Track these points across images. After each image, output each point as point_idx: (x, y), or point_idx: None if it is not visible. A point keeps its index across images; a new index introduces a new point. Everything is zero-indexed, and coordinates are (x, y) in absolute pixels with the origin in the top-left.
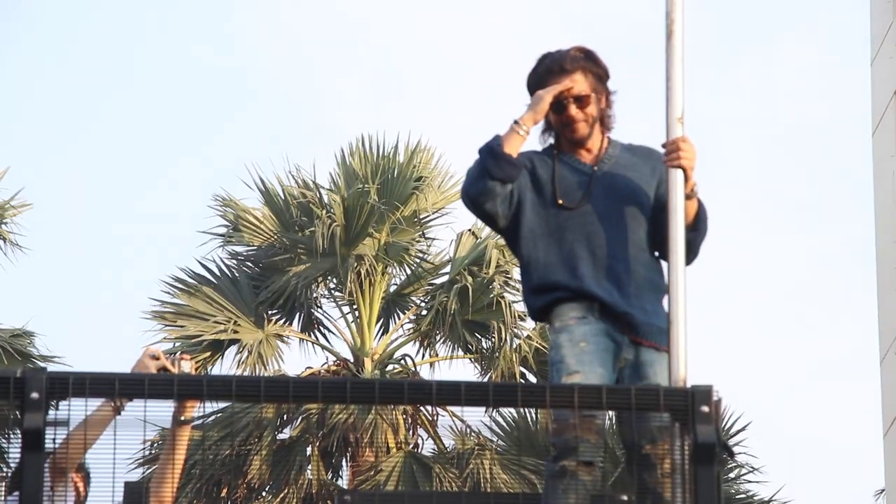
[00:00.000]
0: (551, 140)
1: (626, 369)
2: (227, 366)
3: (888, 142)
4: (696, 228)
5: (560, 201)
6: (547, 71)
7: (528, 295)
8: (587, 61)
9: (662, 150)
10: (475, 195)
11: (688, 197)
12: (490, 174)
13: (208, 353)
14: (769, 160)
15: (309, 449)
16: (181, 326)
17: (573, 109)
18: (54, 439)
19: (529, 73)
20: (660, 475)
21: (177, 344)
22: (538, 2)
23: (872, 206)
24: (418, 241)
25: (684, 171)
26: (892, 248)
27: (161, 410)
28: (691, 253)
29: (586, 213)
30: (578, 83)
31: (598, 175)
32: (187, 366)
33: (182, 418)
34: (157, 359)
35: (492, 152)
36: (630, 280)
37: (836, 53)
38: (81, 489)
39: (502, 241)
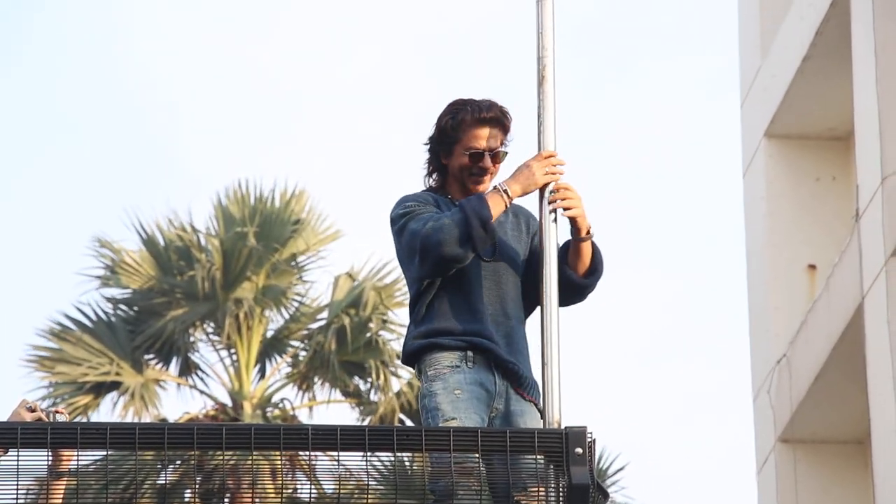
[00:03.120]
0: (432, 183)
1: (497, 419)
2: (104, 413)
3: (759, 184)
4: (594, 272)
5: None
6: (476, 120)
7: (414, 336)
8: (507, 120)
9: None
10: (450, 258)
11: (583, 240)
12: (475, 247)
13: (90, 398)
14: (639, 201)
15: (188, 494)
16: (60, 372)
17: (488, 163)
18: None
19: (446, 114)
20: None
21: (56, 389)
22: (404, 44)
23: (744, 248)
24: (296, 284)
25: (574, 219)
26: (763, 288)
27: (36, 461)
28: (581, 296)
29: (487, 266)
30: (497, 139)
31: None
32: (63, 419)
33: (58, 471)
34: (34, 410)
35: (484, 225)
36: (516, 335)
37: (707, 95)
38: None
39: (379, 283)
